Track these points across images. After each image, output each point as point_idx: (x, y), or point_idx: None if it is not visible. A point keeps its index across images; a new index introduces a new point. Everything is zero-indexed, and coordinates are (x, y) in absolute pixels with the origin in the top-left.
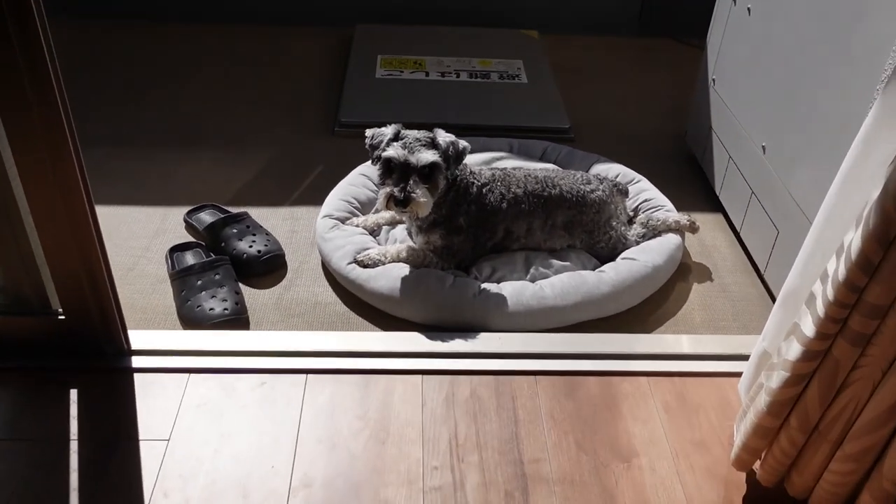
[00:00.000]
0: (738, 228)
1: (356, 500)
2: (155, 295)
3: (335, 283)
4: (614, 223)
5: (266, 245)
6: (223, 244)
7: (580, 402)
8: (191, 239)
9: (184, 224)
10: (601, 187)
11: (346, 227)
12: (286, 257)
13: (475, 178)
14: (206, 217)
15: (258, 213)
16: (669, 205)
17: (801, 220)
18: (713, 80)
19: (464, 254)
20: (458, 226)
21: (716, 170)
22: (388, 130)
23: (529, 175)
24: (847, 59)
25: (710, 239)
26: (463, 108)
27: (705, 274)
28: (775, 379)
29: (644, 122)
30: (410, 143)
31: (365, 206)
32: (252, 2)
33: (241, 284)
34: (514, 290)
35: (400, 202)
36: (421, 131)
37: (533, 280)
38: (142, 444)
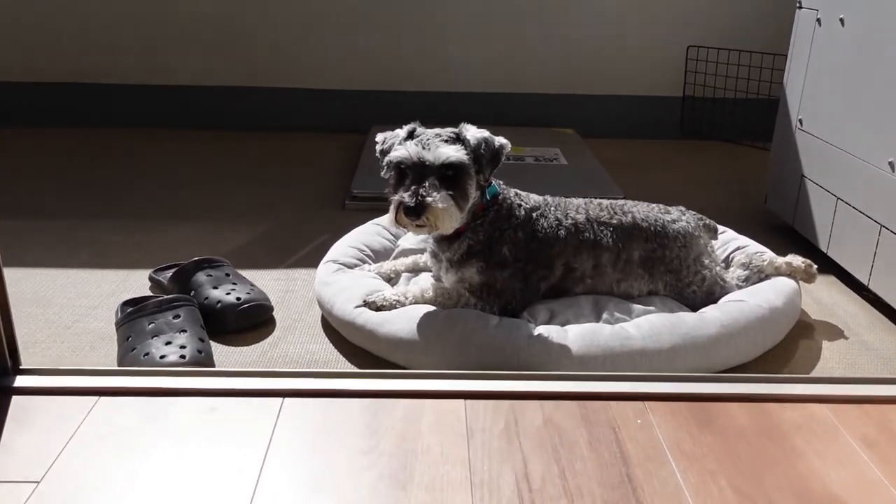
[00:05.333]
0: (863, 281)
1: None
2: (94, 353)
3: (339, 338)
4: (706, 261)
5: (249, 293)
6: (193, 292)
7: (724, 435)
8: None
9: (149, 284)
10: (684, 218)
11: (354, 272)
12: (274, 313)
13: (522, 200)
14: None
15: (244, 274)
16: (769, 252)
17: None
18: (799, 121)
19: (510, 295)
20: (501, 257)
21: (818, 223)
22: (403, 130)
23: (591, 202)
24: None
25: (827, 297)
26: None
27: (835, 331)
28: None
29: (706, 203)
30: (428, 139)
31: (379, 256)
32: (254, 111)
33: (212, 343)
34: (585, 331)
35: (411, 210)
36: (445, 129)
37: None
38: None
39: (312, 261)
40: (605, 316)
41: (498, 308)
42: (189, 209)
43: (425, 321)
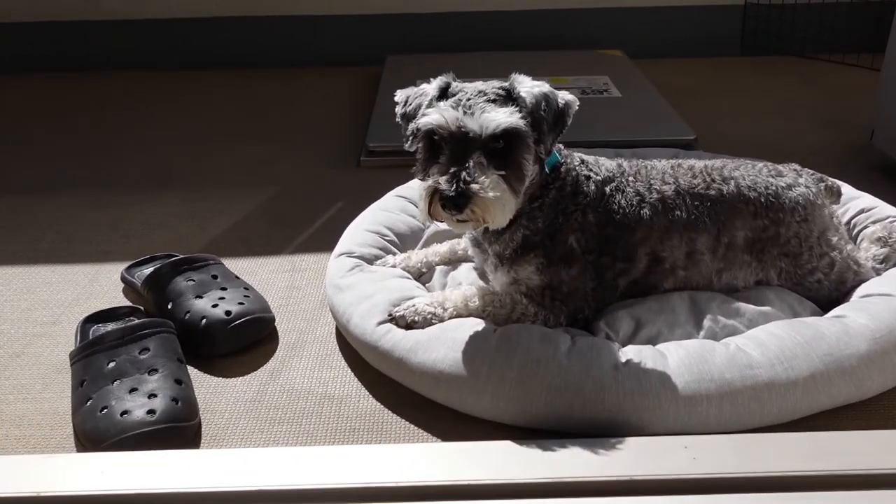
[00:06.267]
0: None
1: None
2: (47, 393)
3: (358, 360)
4: (834, 238)
5: (242, 304)
6: (171, 304)
7: None
8: (127, 304)
9: (122, 285)
10: (802, 181)
11: (375, 269)
12: (277, 324)
13: (590, 170)
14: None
15: (240, 266)
16: None
17: None
18: None
19: (580, 299)
20: (567, 250)
21: None
22: (432, 86)
23: (679, 166)
24: None
25: None
26: None
27: None
28: None
29: (790, 136)
30: (470, 98)
31: (406, 242)
32: (261, 46)
33: (190, 369)
34: (690, 357)
35: (451, 201)
36: (489, 82)
37: (714, 338)
38: None
39: (323, 241)
40: (707, 323)
41: (566, 317)
42: (176, 175)
43: (472, 347)
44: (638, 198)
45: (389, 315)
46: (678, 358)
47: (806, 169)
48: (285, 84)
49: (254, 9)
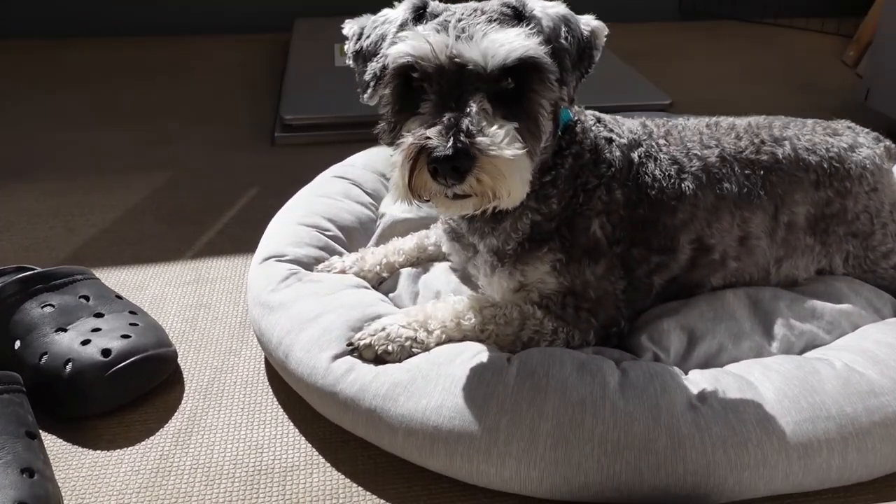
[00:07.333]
0: None
1: None
2: None
3: (304, 410)
4: None
5: (127, 336)
6: (19, 343)
7: None
8: None
9: None
10: (862, 140)
11: (318, 276)
12: (180, 360)
13: (611, 131)
14: None
15: (123, 280)
16: None
17: None
18: None
19: (611, 305)
20: (591, 239)
21: None
22: (400, 8)
23: (717, 125)
24: None
25: None
26: None
27: None
28: None
29: (771, 100)
30: (462, 19)
31: (354, 237)
32: (146, 10)
33: (51, 441)
34: (786, 382)
35: (448, 163)
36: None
37: (791, 350)
38: None
39: (238, 240)
40: (780, 331)
41: (595, 333)
42: (35, 161)
43: (481, 387)
44: (676, 166)
45: (349, 344)
46: (775, 386)
47: (858, 126)
48: (178, 53)
49: None
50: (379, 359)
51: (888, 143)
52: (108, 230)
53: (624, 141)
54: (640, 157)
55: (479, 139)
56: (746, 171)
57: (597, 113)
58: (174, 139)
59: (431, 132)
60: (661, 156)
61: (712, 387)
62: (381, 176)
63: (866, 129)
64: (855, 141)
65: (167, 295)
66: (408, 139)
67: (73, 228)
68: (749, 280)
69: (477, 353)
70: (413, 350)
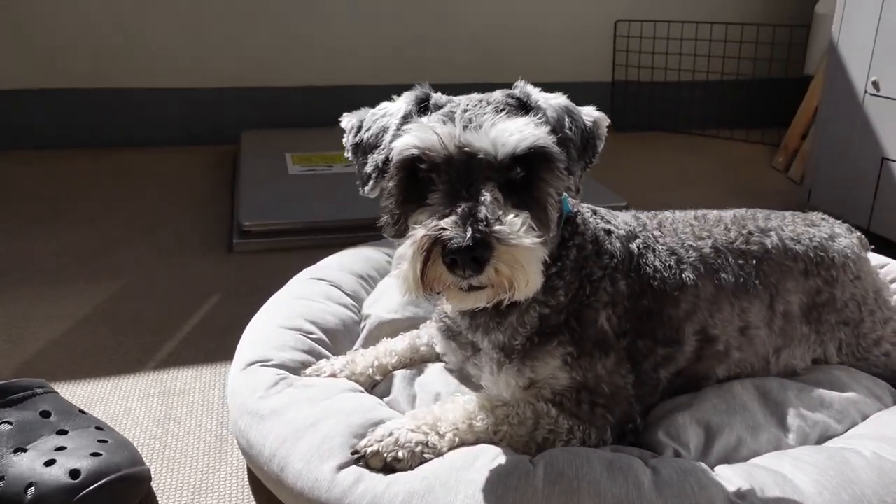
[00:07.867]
0: None
1: None
2: None
3: None
4: (893, 299)
5: (97, 454)
6: None
7: None
8: None
9: None
10: (839, 230)
11: (310, 381)
12: (151, 483)
13: (608, 222)
14: None
15: (82, 393)
16: None
17: None
18: (873, 84)
19: (624, 400)
20: (598, 332)
21: None
22: (401, 101)
23: (704, 216)
24: None
25: None
26: None
27: None
28: None
29: (717, 202)
30: (468, 109)
31: (339, 340)
32: (75, 121)
33: None
34: (822, 475)
35: (467, 254)
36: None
37: (807, 441)
38: None
39: (203, 349)
40: (793, 422)
41: (612, 429)
42: None
43: (507, 493)
44: (675, 257)
45: (354, 452)
46: (811, 479)
47: (830, 217)
48: (122, 165)
49: (81, 81)
50: (388, 467)
51: (859, 233)
52: (57, 342)
53: (622, 232)
54: (638, 248)
55: (498, 227)
56: (740, 262)
57: (589, 205)
58: (120, 247)
59: (446, 223)
60: (659, 247)
61: (747, 483)
62: (358, 277)
63: (839, 220)
64: (833, 231)
65: (131, 409)
66: (419, 231)
67: (16, 342)
68: (751, 371)
69: (495, 456)
70: (425, 456)
